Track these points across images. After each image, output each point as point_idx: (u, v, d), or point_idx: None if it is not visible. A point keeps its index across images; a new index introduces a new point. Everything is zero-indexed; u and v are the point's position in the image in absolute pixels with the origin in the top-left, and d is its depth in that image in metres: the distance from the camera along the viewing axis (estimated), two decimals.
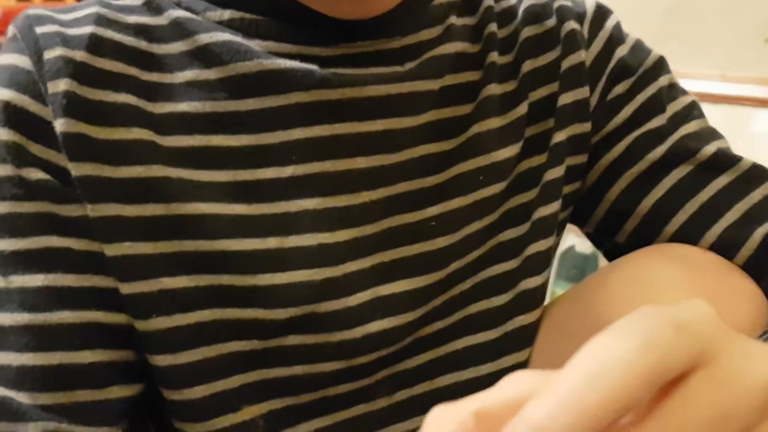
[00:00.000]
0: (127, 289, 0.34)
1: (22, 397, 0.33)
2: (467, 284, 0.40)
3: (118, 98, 0.35)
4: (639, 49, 0.46)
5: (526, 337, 0.41)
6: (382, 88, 0.37)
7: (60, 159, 0.34)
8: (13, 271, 0.33)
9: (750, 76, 1.41)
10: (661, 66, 0.46)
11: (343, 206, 0.37)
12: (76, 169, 0.33)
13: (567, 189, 0.44)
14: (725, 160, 0.42)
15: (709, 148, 0.42)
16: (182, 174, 0.35)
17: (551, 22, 0.44)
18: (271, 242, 0.35)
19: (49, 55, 0.34)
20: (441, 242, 0.39)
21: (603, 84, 0.44)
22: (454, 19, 0.42)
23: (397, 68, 0.38)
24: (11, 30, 0.35)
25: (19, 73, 0.34)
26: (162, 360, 0.35)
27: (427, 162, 0.39)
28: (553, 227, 0.42)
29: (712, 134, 0.44)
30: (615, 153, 0.44)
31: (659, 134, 0.43)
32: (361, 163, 0.37)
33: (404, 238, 0.38)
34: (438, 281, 0.39)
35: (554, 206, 0.42)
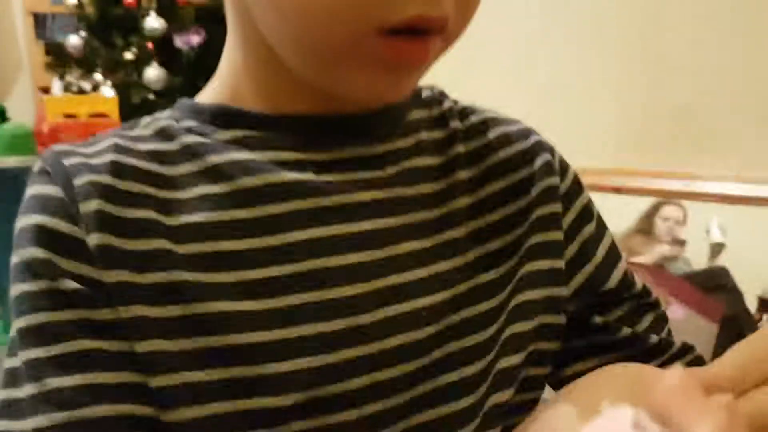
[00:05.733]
0: (155, 382, 0.38)
1: None
2: (453, 376, 0.43)
3: (140, 214, 0.40)
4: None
5: (502, 414, 0.45)
6: (368, 194, 0.43)
7: (91, 271, 0.38)
8: (49, 374, 0.37)
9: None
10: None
11: (338, 297, 0.41)
12: (109, 277, 0.38)
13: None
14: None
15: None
16: (198, 277, 0.39)
17: (523, 145, 0.50)
18: (277, 333, 0.39)
19: (79, 181, 0.39)
20: (429, 330, 0.43)
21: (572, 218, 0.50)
22: (424, 135, 0.48)
23: (380, 173, 0.45)
24: (39, 165, 0.41)
25: (51, 200, 0.39)
26: None
27: (411, 257, 0.44)
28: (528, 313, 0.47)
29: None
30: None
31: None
32: (352, 258, 0.41)
33: (399, 326, 0.42)
34: (423, 366, 0.42)
35: (528, 295, 0.47)
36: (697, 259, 2.39)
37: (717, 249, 2.29)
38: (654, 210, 2.60)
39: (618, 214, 2.90)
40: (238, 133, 0.43)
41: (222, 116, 0.44)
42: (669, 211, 2.56)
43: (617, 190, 1.63)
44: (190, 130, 0.44)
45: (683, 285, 1.95)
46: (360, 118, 0.45)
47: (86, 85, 3.02)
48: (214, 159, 0.42)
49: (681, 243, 2.48)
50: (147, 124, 0.45)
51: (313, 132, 0.44)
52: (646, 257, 2.52)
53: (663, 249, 2.48)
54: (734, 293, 2.08)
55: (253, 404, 0.38)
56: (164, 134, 0.44)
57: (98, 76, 2.92)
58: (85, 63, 2.94)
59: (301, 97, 0.44)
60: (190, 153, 0.43)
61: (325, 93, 0.42)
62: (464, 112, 0.51)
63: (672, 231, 2.55)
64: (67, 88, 3.04)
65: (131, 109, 2.57)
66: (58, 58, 3.02)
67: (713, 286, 2.10)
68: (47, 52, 3.33)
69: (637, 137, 2.49)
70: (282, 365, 0.39)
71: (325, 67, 0.41)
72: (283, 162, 0.43)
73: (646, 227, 2.67)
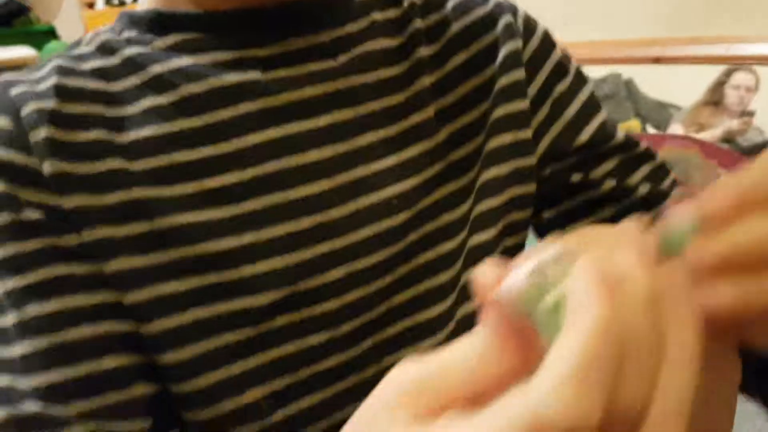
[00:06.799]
0: (128, 299, 0.39)
1: (56, 410, 0.36)
2: (430, 254, 0.44)
3: (90, 135, 0.39)
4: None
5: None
6: (320, 87, 0.41)
7: (51, 198, 0.38)
8: (28, 302, 0.37)
9: None
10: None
11: (303, 196, 0.40)
12: (67, 202, 0.38)
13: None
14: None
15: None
16: (157, 192, 0.39)
17: (483, 10, 0.47)
18: (247, 237, 0.39)
19: (26, 110, 0.38)
20: (402, 216, 0.42)
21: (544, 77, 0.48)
22: (377, 15, 0.45)
23: (331, 62, 0.42)
24: None
25: (2, 132, 0.38)
26: (168, 358, 0.39)
27: (377, 147, 0.42)
28: (497, 188, 0.46)
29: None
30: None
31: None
32: (312, 156, 0.41)
33: (370, 217, 0.42)
34: (399, 251, 0.43)
35: (494, 171, 0.46)
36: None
37: None
38: (724, 78, 2.44)
39: (660, 85, 2.74)
40: (176, 38, 0.42)
41: (157, 22, 0.42)
42: (740, 78, 2.40)
43: (657, 60, 1.53)
44: (129, 41, 0.42)
45: (735, 156, 1.87)
46: (300, 5, 0.42)
47: None
48: (157, 69, 0.41)
49: (750, 114, 2.34)
50: (89, 41, 0.43)
51: (251, 27, 0.42)
52: (714, 131, 2.39)
53: (732, 123, 2.34)
54: None
55: (233, 306, 0.39)
56: (106, 49, 0.42)
57: None
58: None
59: None
60: (132, 65, 0.41)
61: None
62: None
63: (743, 100, 2.39)
64: (108, 1, 3.05)
65: None
66: None
67: None
68: None
69: (675, 3, 2.31)
70: (256, 267, 0.39)
71: None
72: (226, 63, 0.41)
73: (715, 98, 2.52)
